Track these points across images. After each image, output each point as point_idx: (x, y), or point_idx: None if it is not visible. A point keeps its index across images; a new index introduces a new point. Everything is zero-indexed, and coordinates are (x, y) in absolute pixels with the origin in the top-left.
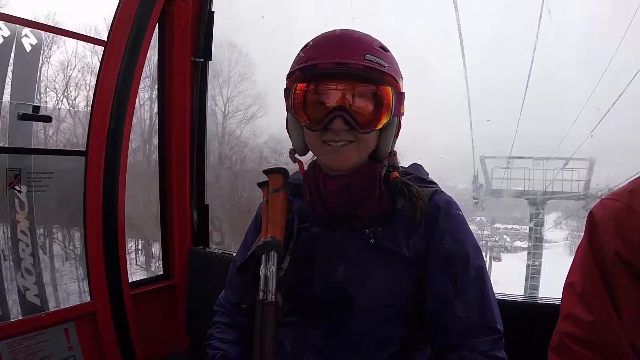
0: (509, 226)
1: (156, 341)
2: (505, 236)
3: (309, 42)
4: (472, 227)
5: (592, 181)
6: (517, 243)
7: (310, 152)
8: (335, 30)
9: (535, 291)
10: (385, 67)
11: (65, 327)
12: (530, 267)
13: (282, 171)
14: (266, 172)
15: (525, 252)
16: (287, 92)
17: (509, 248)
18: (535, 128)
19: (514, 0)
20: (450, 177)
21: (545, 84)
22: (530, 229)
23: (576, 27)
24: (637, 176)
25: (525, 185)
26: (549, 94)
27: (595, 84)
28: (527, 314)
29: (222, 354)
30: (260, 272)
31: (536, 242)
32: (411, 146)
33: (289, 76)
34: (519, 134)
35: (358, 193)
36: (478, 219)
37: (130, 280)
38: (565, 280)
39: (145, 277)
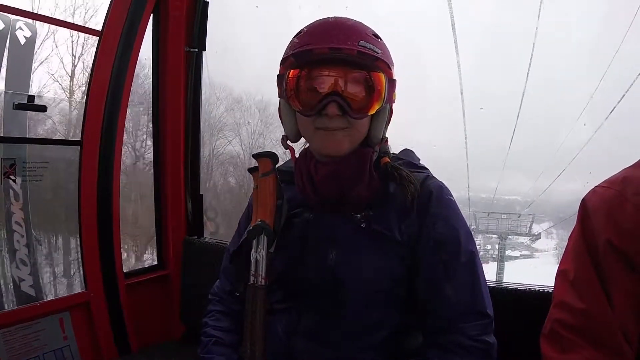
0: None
1: (151, 330)
2: (497, 246)
3: (302, 29)
4: None
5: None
6: (508, 252)
7: (302, 139)
8: (329, 17)
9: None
10: (378, 53)
11: (60, 317)
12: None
13: (271, 155)
14: (255, 156)
15: (516, 261)
16: (280, 78)
17: (494, 256)
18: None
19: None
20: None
21: (545, 73)
22: (498, 256)
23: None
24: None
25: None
26: (548, 89)
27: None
28: (517, 300)
29: (215, 340)
30: (251, 257)
31: (500, 265)
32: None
33: (282, 62)
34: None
35: (348, 177)
36: (472, 227)
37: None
38: (558, 268)
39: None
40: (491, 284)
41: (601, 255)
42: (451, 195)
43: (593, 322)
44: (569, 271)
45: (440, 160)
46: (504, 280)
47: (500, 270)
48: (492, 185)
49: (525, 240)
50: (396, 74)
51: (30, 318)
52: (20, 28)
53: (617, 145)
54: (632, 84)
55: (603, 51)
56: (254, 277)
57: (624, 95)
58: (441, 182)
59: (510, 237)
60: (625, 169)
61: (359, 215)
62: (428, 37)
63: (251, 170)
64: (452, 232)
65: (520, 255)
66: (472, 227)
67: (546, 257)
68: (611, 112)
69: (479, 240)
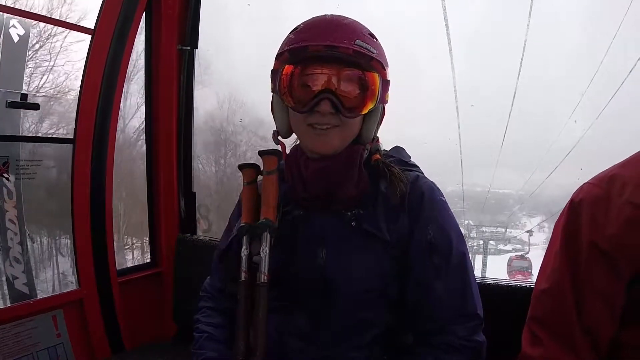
0: (495, 229)
1: (144, 328)
2: (490, 241)
3: (299, 25)
4: None
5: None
6: (501, 246)
7: (293, 134)
8: (326, 14)
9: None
10: (374, 53)
11: (53, 315)
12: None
13: (277, 153)
14: (261, 153)
15: (508, 254)
16: (274, 73)
17: (492, 251)
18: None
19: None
20: (440, 178)
21: (536, 71)
22: (483, 254)
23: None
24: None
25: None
26: (540, 86)
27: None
28: (505, 296)
29: (207, 335)
30: (242, 254)
31: (484, 261)
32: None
33: (277, 57)
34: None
35: (337, 174)
36: (466, 222)
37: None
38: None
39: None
40: (479, 280)
41: (583, 255)
42: (442, 196)
43: (554, 316)
44: (547, 266)
45: (434, 156)
46: (487, 267)
47: (484, 264)
48: (486, 180)
49: (517, 234)
50: (389, 71)
51: (24, 316)
52: (13, 25)
53: (608, 142)
54: (622, 82)
55: (594, 50)
56: (246, 274)
57: (614, 93)
58: (432, 182)
59: (493, 239)
60: (615, 166)
61: (349, 214)
62: (420, 35)
63: (241, 167)
64: (444, 234)
65: (512, 249)
66: (466, 222)
67: (536, 250)
68: (603, 109)
69: (474, 235)
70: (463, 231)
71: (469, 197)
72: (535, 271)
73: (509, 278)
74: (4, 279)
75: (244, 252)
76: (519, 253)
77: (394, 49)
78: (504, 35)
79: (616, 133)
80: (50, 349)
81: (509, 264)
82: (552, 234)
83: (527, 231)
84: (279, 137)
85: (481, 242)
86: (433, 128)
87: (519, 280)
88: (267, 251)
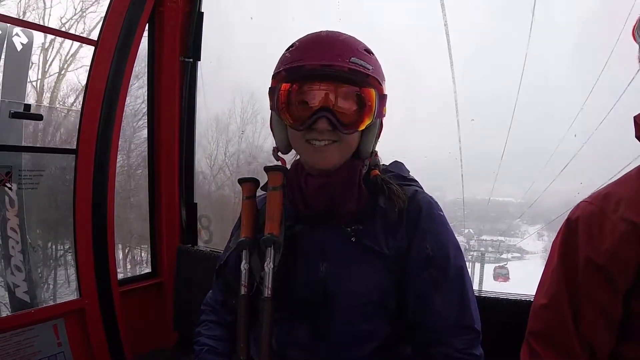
0: (495, 238)
1: (144, 337)
2: (490, 248)
3: (294, 43)
4: (459, 239)
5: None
6: (499, 255)
7: (292, 150)
8: (321, 31)
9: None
10: (369, 69)
11: (54, 324)
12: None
13: (283, 169)
14: (267, 169)
15: (507, 262)
16: (272, 91)
17: (492, 259)
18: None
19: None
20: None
21: (538, 81)
22: (480, 265)
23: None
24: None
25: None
26: (539, 99)
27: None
28: (500, 309)
29: (207, 348)
30: (242, 268)
31: (480, 278)
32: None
33: (274, 76)
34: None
35: (338, 190)
36: (466, 231)
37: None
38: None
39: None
40: (477, 294)
41: (580, 270)
42: (441, 210)
43: (553, 330)
44: (546, 282)
45: (434, 167)
46: (485, 276)
47: (481, 275)
48: (486, 190)
49: (516, 242)
50: (389, 84)
51: (25, 324)
52: (17, 34)
53: (607, 153)
54: (621, 95)
55: (593, 62)
56: (245, 288)
57: (613, 105)
58: (430, 197)
59: (492, 248)
60: (610, 184)
61: (349, 229)
62: (421, 47)
63: (241, 181)
64: (442, 248)
65: (512, 257)
66: (467, 230)
67: (535, 258)
68: (602, 121)
69: (474, 244)
70: (463, 240)
71: (469, 206)
72: (512, 276)
73: (494, 281)
74: (5, 287)
75: (244, 266)
76: (502, 264)
77: (395, 63)
78: (505, 48)
79: (615, 145)
80: (51, 357)
81: (494, 271)
82: (550, 250)
83: (506, 253)
84: (279, 153)
85: (482, 249)
86: (433, 141)
87: (517, 294)
88: (272, 266)
